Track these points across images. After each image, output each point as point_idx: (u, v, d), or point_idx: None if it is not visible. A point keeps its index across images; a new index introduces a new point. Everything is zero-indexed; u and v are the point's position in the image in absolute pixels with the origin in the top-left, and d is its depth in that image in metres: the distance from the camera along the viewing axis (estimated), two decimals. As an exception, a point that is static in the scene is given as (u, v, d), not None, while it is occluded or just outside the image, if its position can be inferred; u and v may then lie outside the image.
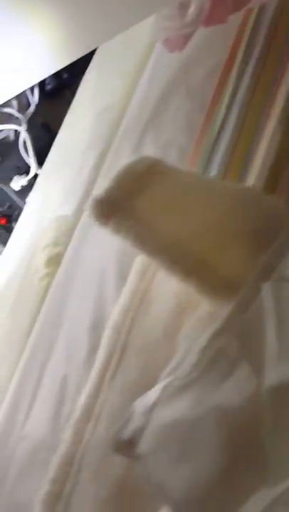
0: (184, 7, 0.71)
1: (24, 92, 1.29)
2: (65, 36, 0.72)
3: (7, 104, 1.25)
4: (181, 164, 0.69)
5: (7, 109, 1.23)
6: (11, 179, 1.20)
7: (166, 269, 0.50)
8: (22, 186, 1.22)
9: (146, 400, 0.46)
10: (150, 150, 0.75)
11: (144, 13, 0.68)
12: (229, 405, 0.41)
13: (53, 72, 0.85)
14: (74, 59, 0.85)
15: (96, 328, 0.67)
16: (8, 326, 0.85)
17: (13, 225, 1.20)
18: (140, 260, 0.63)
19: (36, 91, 1.28)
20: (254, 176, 0.64)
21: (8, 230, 1.20)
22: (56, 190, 0.91)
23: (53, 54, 0.84)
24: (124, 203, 0.54)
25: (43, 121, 1.29)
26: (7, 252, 0.96)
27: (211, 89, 0.67)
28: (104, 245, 0.76)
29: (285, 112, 0.66)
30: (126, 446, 0.46)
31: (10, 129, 1.24)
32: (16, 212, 1.20)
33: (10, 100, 1.26)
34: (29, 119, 1.25)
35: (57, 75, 1.35)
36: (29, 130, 1.22)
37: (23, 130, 1.19)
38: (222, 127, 0.63)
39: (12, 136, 1.28)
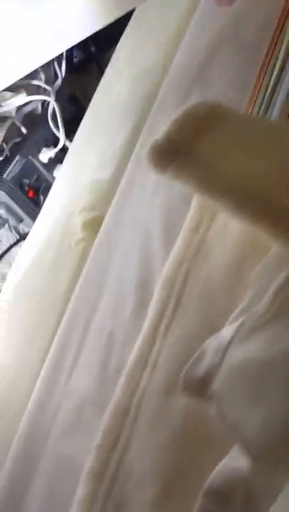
0: None
1: (51, 64, 1.27)
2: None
3: (34, 76, 1.24)
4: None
5: (35, 81, 1.22)
6: (39, 151, 1.19)
7: (234, 212, 0.48)
8: (50, 158, 1.21)
9: (220, 338, 0.45)
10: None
11: None
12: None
13: (94, 31, 0.84)
14: (114, 18, 0.84)
15: (144, 284, 0.66)
16: (45, 289, 0.84)
17: (40, 197, 1.19)
18: (193, 214, 0.62)
19: (64, 63, 1.27)
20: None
21: (36, 203, 1.19)
22: (92, 154, 0.90)
23: (93, 13, 0.83)
24: (185, 147, 0.52)
25: (70, 94, 1.28)
26: (40, 219, 0.95)
27: (263, 44, 0.66)
28: (148, 205, 0.74)
29: None
30: (198, 385, 0.45)
31: (38, 101, 1.23)
32: (44, 185, 1.19)
33: (37, 72, 1.25)
34: (56, 91, 1.24)
35: (84, 49, 1.34)
36: (57, 102, 1.21)
37: (52, 101, 1.18)
38: (278, 79, 0.62)
39: (39, 109, 1.27)
